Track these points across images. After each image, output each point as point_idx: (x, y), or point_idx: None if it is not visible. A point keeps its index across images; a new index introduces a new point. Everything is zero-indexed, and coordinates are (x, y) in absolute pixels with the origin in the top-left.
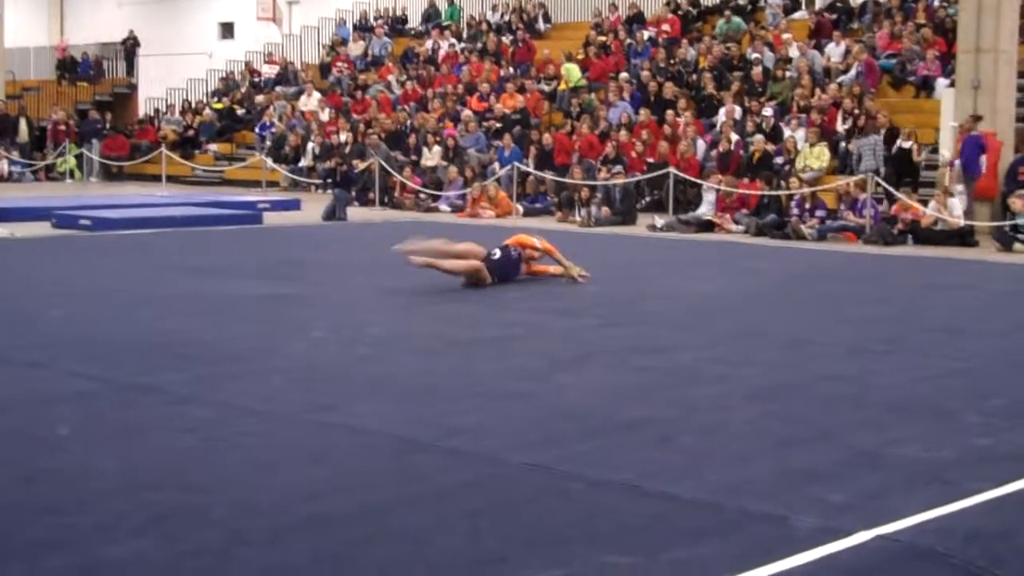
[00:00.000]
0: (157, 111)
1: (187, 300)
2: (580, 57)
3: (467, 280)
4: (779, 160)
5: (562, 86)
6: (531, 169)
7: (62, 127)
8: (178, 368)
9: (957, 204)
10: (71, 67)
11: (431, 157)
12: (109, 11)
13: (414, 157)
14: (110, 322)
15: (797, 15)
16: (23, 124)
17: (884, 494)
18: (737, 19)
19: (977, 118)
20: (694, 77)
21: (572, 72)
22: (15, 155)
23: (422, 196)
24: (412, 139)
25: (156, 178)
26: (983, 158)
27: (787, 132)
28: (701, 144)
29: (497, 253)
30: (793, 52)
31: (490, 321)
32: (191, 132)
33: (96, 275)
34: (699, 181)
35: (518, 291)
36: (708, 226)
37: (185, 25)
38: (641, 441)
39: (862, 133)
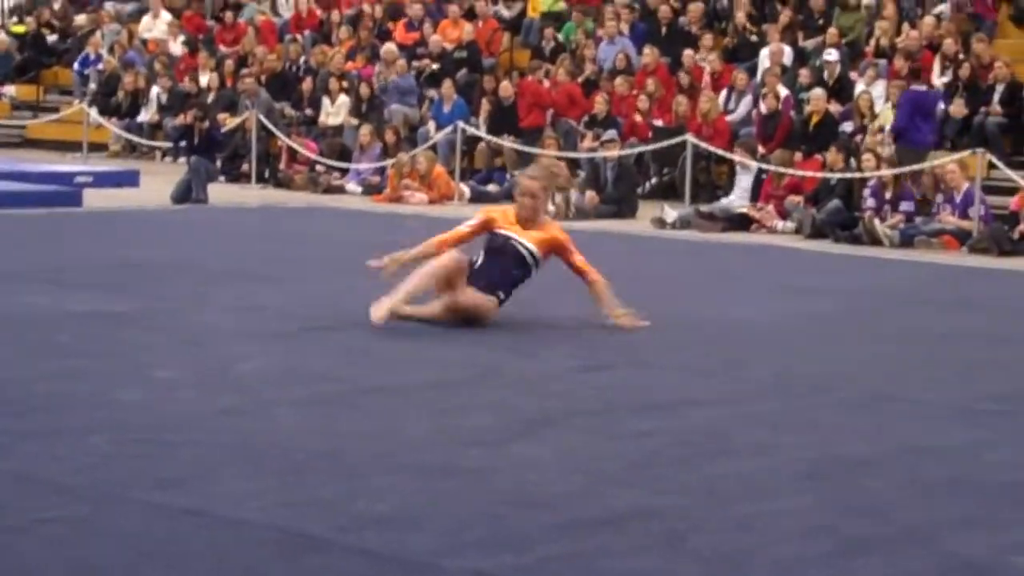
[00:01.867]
0: None
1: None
2: None
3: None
4: (847, 127)
5: (531, 11)
6: (482, 133)
7: None
8: None
9: None
10: None
11: (334, 112)
12: None
13: (309, 112)
14: None
15: None
16: None
17: None
18: None
19: None
20: (724, 2)
21: None
22: None
23: (319, 169)
24: (307, 85)
25: None
26: None
27: (859, 86)
28: (744, 101)
29: (480, 258)
30: None
31: (421, 358)
32: None
33: None
34: (730, 156)
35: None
36: (742, 222)
37: None
38: (637, 542)
39: (969, 89)
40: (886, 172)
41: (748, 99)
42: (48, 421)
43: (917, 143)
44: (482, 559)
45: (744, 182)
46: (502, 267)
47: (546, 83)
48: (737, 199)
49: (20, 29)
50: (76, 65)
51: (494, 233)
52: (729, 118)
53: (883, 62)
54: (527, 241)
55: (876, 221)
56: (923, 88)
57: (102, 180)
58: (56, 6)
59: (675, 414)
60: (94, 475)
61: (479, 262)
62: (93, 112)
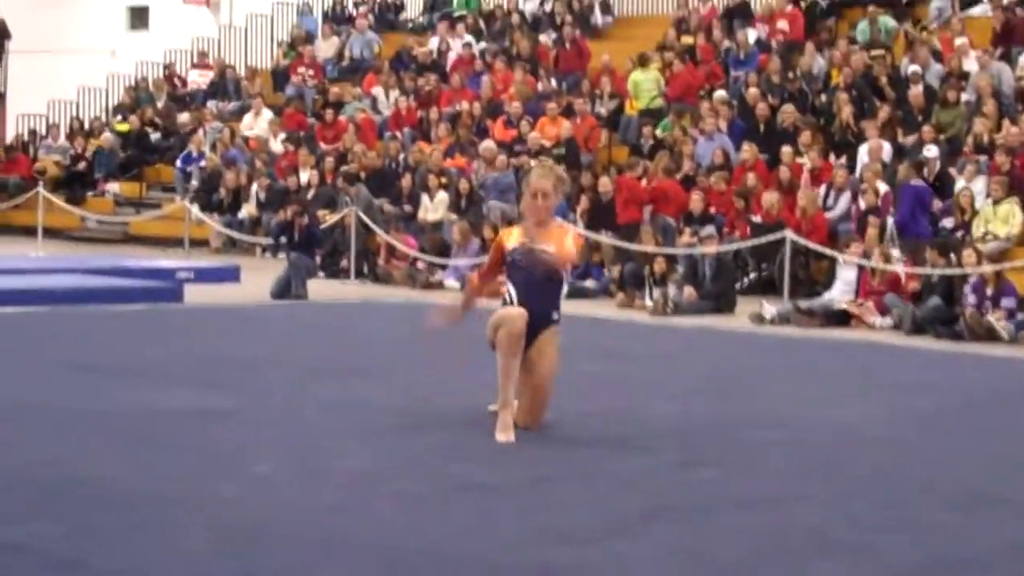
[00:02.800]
0: (33, 133)
1: (69, 415)
2: (656, 66)
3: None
4: (947, 223)
5: (628, 108)
6: (580, 229)
7: None
8: (55, 517)
9: None
10: None
11: (433, 208)
12: None
13: (408, 208)
14: None
15: (976, 10)
16: None
17: None
18: (886, 18)
19: None
20: (823, 99)
21: (643, 87)
22: None
23: (419, 265)
24: (406, 181)
25: (29, 231)
26: None
27: (960, 182)
28: (843, 197)
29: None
30: (970, 65)
31: (516, 456)
32: (82, 165)
33: None
34: (830, 252)
35: (556, 409)
36: (841, 318)
37: (78, 9)
38: None
39: None
40: (987, 268)
41: (847, 195)
42: (147, 517)
43: None
44: None
45: (846, 278)
46: (534, 284)
47: (645, 182)
48: (838, 295)
49: (124, 127)
50: (178, 162)
51: (512, 250)
52: (828, 214)
53: (985, 157)
54: (545, 245)
55: (992, 317)
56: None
57: (203, 276)
58: (159, 105)
59: (774, 512)
60: (191, 572)
61: (514, 295)
62: (195, 208)
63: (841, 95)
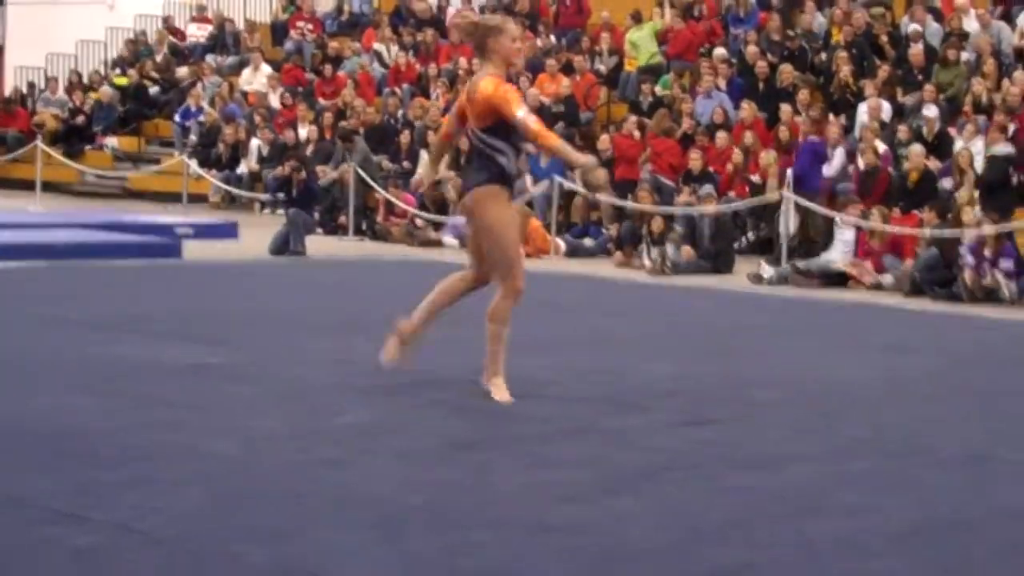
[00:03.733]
0: (32, 86)
1: (66, 370)
2: (653, 24)
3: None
4: (946, 184)
5: (628, 65)
6: (579, 187)
7: None
8: (53, 471)
9: None
10: None
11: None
12: None
13: (407, 164)
14: None
15: None
16: None
17: None
18: None
19: None
20: (822, 57)
21: (643, 43)
22: None
23: (418, 222)
24: (405, 137)
25: (28, 185)
26: None
27: (959, 142)
28: (837, 155)
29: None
30: (970, 24)
31: (515, 413)
32: (80, 119)
33: None
34: (829, 212)
35: (554, 367)
36: (839, 279)
37: None
38: None
39: None
40: (987, 229)
41: (841, 151)
42: (145, 473)
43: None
44: None
45: (844, 239)
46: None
47: (644, 140)
48: (836, 256)
49: (122, 81)
50: (177, 117)
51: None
52: (827, 174)
53: (984, 117)
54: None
55: (1000, 277)
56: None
57: (202, 232)
58: (158, 59)
59: (773, 471)
60: (189, 527)
61: (514, 162)
62: (193, 164)
63: (841, 54)
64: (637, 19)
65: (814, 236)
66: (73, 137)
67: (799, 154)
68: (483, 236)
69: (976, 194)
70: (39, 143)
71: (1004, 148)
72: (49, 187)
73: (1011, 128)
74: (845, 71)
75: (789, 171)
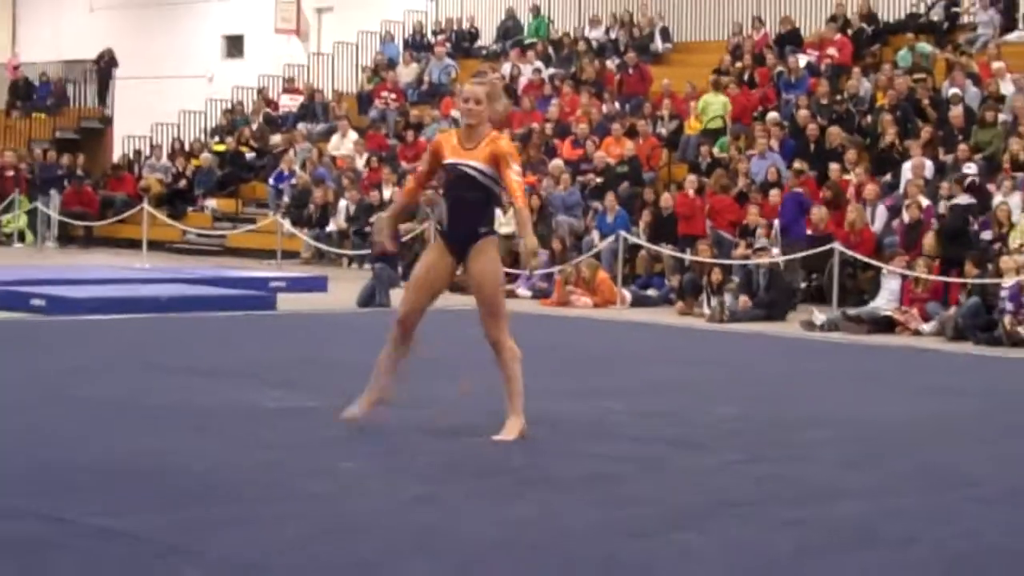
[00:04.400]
0: (138, 153)
1: (172, 413)
2: (723, 91)
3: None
4: (986, 235)
5: (688, 128)
6: (642, 241)
7: (10, 173)
8: (159, 508)
9: None
10: (24, 93)
11: (506, 222)
12: (78, 19)
13: None
14: (68, 441)
15: (1013, 36)
16: None
17: None
18: (924, 45)
19: None
20: (868, 119)
21: (711, 108)
22: None
23: None
24: None
25: (135, 244)
26: None
27: (997, 197)
28: (879, 211)
29: (444, 207)
30: (1007, 87)
31: (585, 452)
32: (183, 183)
33: (51, 376)
34: (876, 263)
35: (622, 410)
36: (886, 324)
37: (178, 39)
38: None
39: None
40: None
41: (881, 208)
42: (244, 508)
43: None
44: None
45: (890, 287)
46: (463, 202)
47: (703, 198)
48: (883, 303)
49: (221, 148)
50: (271, 180)
51: (444, 166)
52: (874, 228)
53: (1021, 175)
54: (472, 161)
55: (1017, 324)
56: None
57: (294, 285)
58: (253, 127)
59: (826, 505)
60: (287, 561)
61: (445, 213)
62: (286, 223)
63: (886, 116)
64: (717, 86)
65: (862, 285)
66: (176, 199)
67: (783, 206)
68: (488, 282)
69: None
70: (145, 205)
71: None
72: (154, 245)
73: None
74: (891, 132)
75: (776, 222)
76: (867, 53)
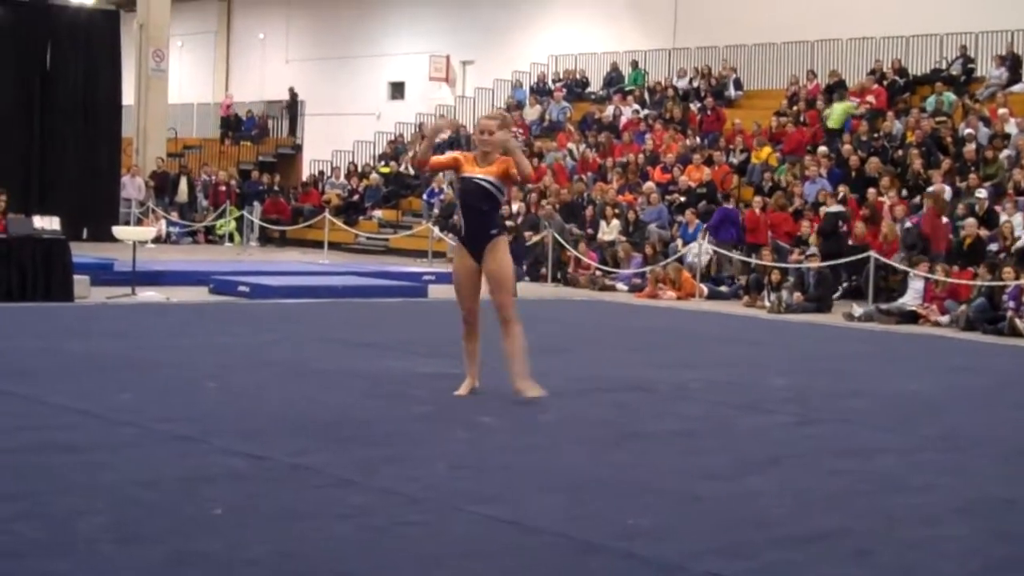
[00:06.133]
0: (321, 173)
1: (346, 376)
2: (848, 105)
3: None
4: (993, 247)
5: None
6: (717, 248)
7: (223, 188)
8: (335, 449)
9: None
10: (235, 125)
11: (608, 231)
12: (276, 68)
13: (590, 231)
14: (266, 397)
15: (1017, 87)
16: (183, 183)
17: None
18: (948, 93)
19: None
20: (900, 153)
21: (837, 114)
22: (174, 215)
23: (598, 273)
24: (589, 211)
25: (317, 244)
26: None
27: (1003, 216)
28: (908, 226)
29: (459, 215)
30: (1011, 128)
31: (668, 413)
32: (356, 197)
33: (253, 346)
34: (904, 268)
35: (700, 379)
36: (911, 317)
37: (354, 85)
38: (836, 554)
39: None
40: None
41: (909, 224)
42: (402, 450)
43: None
44: (720, 564)
45: (916, 287)
46: (478, 210)
47: (765, 214)
48: (909, 300)
49: (386, 170)
50: (424, 196)
51: (461, 177)
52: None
53: (1022, 198)
54: (485, 176)
55: (1017, 318)
56: None
57: (442, 278)
58: (411, 153)
59: (864, 459)
60: (437, 492)
61: (461, 222)
62: (436, 229)
63: (913, 151)
64: (830, 99)
65: (893, 285)
66: (351, 210)
67: (716, 216)
68: (503, 273)
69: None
70: (326, 214)
71: None
72: (333, 246)
73: None
74: (917, 163)
75: (703, 225)
76: (899, 100)
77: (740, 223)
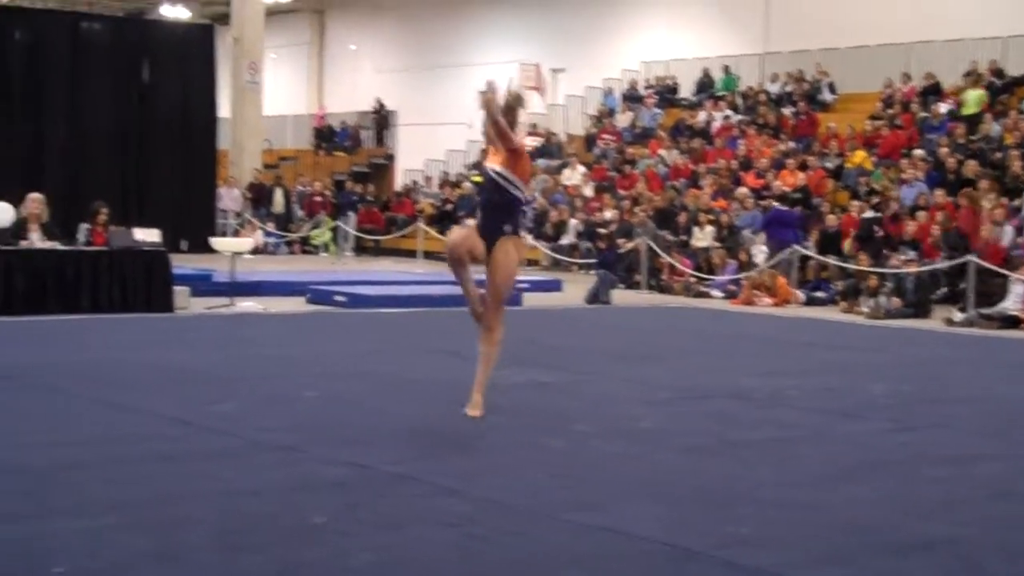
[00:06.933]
0: (415, 183)
1: (444, 386)
2: (981, 94)
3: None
4: None
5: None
6: (813, 253)
7: (318, 198)
8: (435, 458)
9: None
10: (328, 136)
11: (702, 237)
12: (368, 80)
13: (684, 237)
14: (366, 406)
15: None
16: (279, 194)
17: None
18: None
19: None
20: (998, 156)
21: (972, 100)
22: (270, 226)
23: (692, 280)
24: (682, 218)
25: (411, 253)
26: None
27: None
28: (1008, 229)
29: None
30: None
31: (765, 420)
32: (449, 206)
33: (352, 355)
34: (1005, 272)
35: (797, 387)
36: (1013, 322)
37: (445, 95)
38: (941, 563)
39: None
40: None
41: (1009, 228)
42: (501, 460)
43: None
44: (820, 571)
45: (1016, 291)
46: (489, 202)
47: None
48: (1010, 305)
49: (478, 179)
50: None
51: (482, 170)
52: (1004, 243)
53: None
54: (493, 165)
55: None
56: None
57: (536, 286)
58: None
59: (967, 466)
60: (536, 500)
61: (478, 213)
62: (529, 237)
63: (1013, 153)
64: (977, 82)
65: (993, 290)
66: (444, 219)
67: (768, 217)
68: (502, 272)
69: None
70: (420, 223)
71: None
72: (427, 255)
73: None
74: (1017, 166)
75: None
76: (997, 102)
77: (796, 224)
